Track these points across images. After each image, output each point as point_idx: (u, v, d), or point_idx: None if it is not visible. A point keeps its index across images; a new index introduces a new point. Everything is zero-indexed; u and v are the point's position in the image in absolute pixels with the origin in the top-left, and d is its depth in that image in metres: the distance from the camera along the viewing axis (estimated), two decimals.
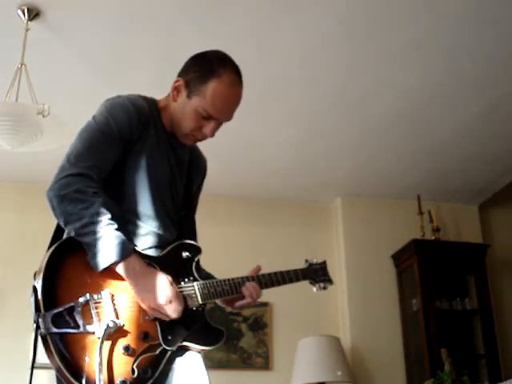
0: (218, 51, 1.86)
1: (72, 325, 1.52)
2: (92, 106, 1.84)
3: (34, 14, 3.11)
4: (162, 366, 1.62)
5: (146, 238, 1.75)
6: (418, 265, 4.74)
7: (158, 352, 1.62)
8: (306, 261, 2.10)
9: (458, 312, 4.85)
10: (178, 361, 1.70)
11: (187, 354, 1.72)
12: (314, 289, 2.10)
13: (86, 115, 1.81)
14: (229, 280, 1.82)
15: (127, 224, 1.71)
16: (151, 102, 1.85)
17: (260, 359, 4.71)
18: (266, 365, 4.70)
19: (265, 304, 4.81)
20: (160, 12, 3.16)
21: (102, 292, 1.59)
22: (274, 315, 4.85)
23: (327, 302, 4.90)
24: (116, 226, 1.61)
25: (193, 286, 1.75)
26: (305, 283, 2.11)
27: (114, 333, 1.56)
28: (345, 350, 4.53)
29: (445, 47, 3.47)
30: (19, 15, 3.11)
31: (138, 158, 1.77)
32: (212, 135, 1.84)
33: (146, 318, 1.64)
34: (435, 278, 4.77)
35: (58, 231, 1.70)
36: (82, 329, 1.53)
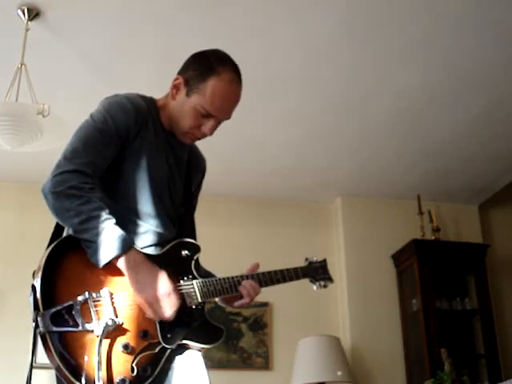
0: (218, 50, 1.86)
1: (71, 323, 1.52)
2: (92, 106, 1.84)
3: (33, 14, 3.12)
4: (161, 364, 1.62)
5: (145, 236, 1.75)
6: (418, 265, 4.74)
7: (157, 350, 1.62)
8: (306, 259, 2.10)
9: (458, 312, 4.85)
10: (178, 359, 1.70)
11: (187, 352, 1.72)
12: (315, 287, 2.10)
13: (86, 115, 1.81)
14: (228, 278, 1.82)
15: (126, 222, 1.71)
16: (149, 101, 1.86)
17: (260, 359, 4.71)
18: (266, 365, 4.70)
19: (265, 304, 4.81)
20: (160, 12, 3.17)
21: (101, 290, 1.59)
22: (274, 315, 4.85)
23: (327, 301, 4.90)
24: (114, 220, 1.61)
25: (192, 284, 1.75)
26: (305, 283, 2.11)
27: (113, 331, 1.56)
28: (345, 350, 4.53)
29: (445, 47, 3.47)
30: (19, 15, 3.12)
31: (136, 157, 1.77)
32: (211, 134, 1.84)
33: (146, 316, 1.63)
34: (435, 278, 4.77)
35: (57, 230, 1.70)
36: (80, 327, 1.53)
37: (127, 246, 1.60)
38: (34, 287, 1.55)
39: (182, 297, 1.70)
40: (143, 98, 1.85)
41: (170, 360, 1.68)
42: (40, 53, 3.35)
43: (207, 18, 3.22)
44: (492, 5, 3.15)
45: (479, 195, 5.30)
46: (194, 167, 1.99)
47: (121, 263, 1.60)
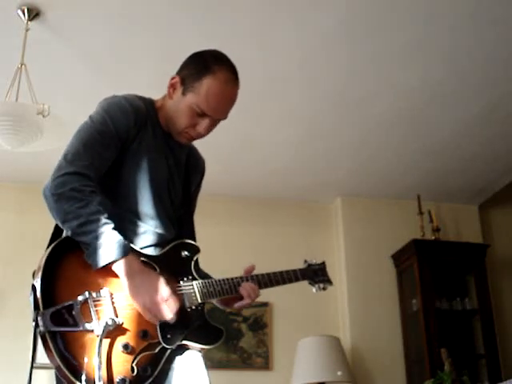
0: (216, 50, 1.86)
1: (71, 323, 1.52)
2: (92, 106, 1.84)
3: (33, 13, 3.11)
4: (161, 364, 1.62)
5: (145, 236, 1.75)
6: (418, 265, 4.74)
7: (157, 350, 1.62)
8: (305, 261, 2.10)
9: (458, 312, 4.85)
10: (178, 360, 1.70)
11: (187, 353, 1.72)
12: (314, 289, 2.10)
13: (85, 115, 1.81)
14: (228, 279, 1.82)
15: (126, 223, 1.71)
16: (148, 102, 1.86)
17: (260, 359, 4.71)
18: (266, 365, 4.70)
19: (265, 304, 4.81)
20: (160, 12, 3.17)
21: (101, 290, 1.59)
22: (274, 315, 4.85)
23: (327, 302, 4.90)
24: (113, 225, 1.61)
25: (192, 284, 1.75)
26: (305, 283, 2.12)
27: (113, 331, 1.56)
28: (345, 350, 4.53)
29: (445, 47, 3.47)
30: (19, 15, 3.12)
31: (135, 158, 1.77)
32: (206, 133, 1.84)
33: None
34: (435, 278, 4.77)
35: (57, 230, 1.70)
36: (80, 327, 1.53)
37: (124, 251, 1.60)
38: (34, 287, 1.55)
39: (181, 298, 1.70)
40: (142, 98, 1.85)
41: (170, 360, 1.68)
42: (40, 53, 3.35)
43: (207, 18, 3.22)
44: (492, 5, 3.15)
45: (479, 195, 5.30)
46: (193, 168, 1.99)
47: (117, 268, 1.60)
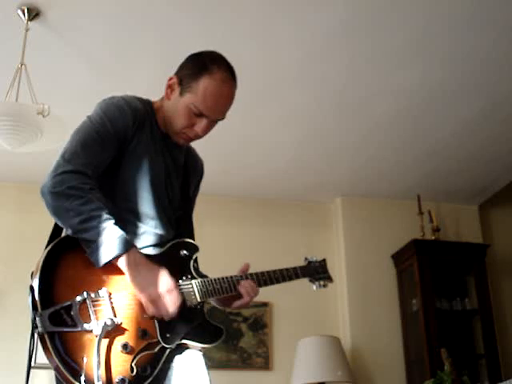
0: (213, 51, 1.87)
1: (69, 323, 1.52)
2: (92, 106, 1.84)
3: (33, 13, 3.11)
4: (161, 364, 1.62)
5: (144, 237, 1.76)
6: (418, 265, 4.74)
7: (156, 350, 1.62)
8: (306, 258, 2.09)
9: (458, 312, 4.85)
10: (178, 359, 1.69)
11: (187, 352, 1.72)
12: (314, 287, 2.09)
13: (85, 115, 1.81)
14: (227, 278, 1.82)
15: (125, 223, 1.71)
16: (146, 103, 1.86)
17: (260, 359, 4.71)
18: (266, 365, 4.70)
19: (265, 304, 4.81)
20: (160, 12, 3.16)
21: (99, 290, 1.59)
22: (274, 315, 4.85)
23: (327, 301, 4.90)
24: (113, 220, 1.62)
25: (191, 283, 1.75)
26: (305, 283, 2.11)
27: (112, 331, 1.56)
28: (345, 350, 4.53)
29: (445, 47, 3.47)
30: (19, 15, 3.11)
31: (133, 158, 1.77)
32: (203, 134, 1.84)
33: (145, 316, 1.64)
34: (435, 278, 4.77)
35: (56, 230, 1.70)
36: (79, 327, 1.53)
37: (128, 245, 1.60)
38: (32, 288, 1.55)
39: (182, 296, 1.70)
40: (140, 99, 1.85)
41: (170, 360, 1.68)
42: (40, 53, 3.35)
43: (207, 18, 3.22)
44: (492, 5, 3.15)
45: (479, 195, 5.30)
46: (192, 169, 1.99)
47: (121, 263, 1.60)
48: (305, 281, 2.09)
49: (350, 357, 4.66)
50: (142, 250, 1.71)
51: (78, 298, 1.55)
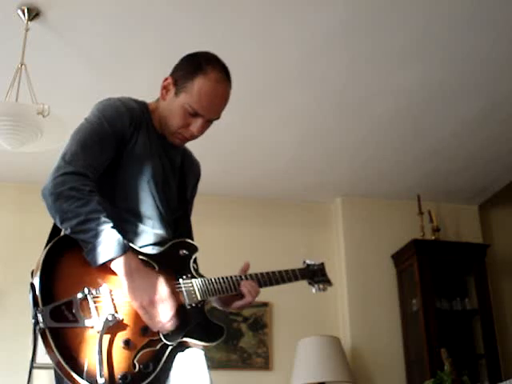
0: (208, 52, 1.89)
1: (71, 319, 1.52)
2: (92, 106, 1.85)
3: (33, 13, 3.11)
4: (163, 361, 1.62)
5: (144, 236, 1.76)
6: (418, 265, 4.74)
7: (158, 347, 1.62)
8: (304, 262, 2.12)
9: (458, 312, 4.85)
10: (179, 358, 1.70)
11: (188, 351, 1.72)
12: (313, 290, 2.12)
13: (85, 115, 1.82)
14: (227, 277, 1.83)
15: (124, 223, 1.72)
16: (142, 105, 1.89)
17: (260, 359, 4.71)
18: (266, 365, 4.70)
19: (265, 304, 4.81)
20: (160, 12, 3.16)
21: (100, 287, 1.59)
22: (274, 315, 4.85)
23: (327, 302, 4.90)
24: (112, 224, 1.62)
25: (191, 282, 1.76)
26: (305, 283, 2.12)
27: (114, 327, 1.56)
28: (345, 350, 4.54)
29: (445, 47, 3.47)
30: (19, 15, 3.11)
31: (132, 158, 1.79)
32: (199, 134, 1.85)
33: None
34: (435, 278, 4.78)
35: (55, 230, 1.70)
36: (80, 323, 1.53)
37: (123, 249, 1.60)
38: (32, 285, 1.56)
39: (181, 295, 1.71)
40: (136, 101, 1.88)
41: (172, 359, 1.68)
42: (40, 53, 3.35)
43: (207, 18, 3.22)
44: (492, 5, 3.15)
45: (479, 195, 5.30)
46: (188, 170, 2.01)
47: (115, 266, 1.60)
48: (305, 281, 2.10)
49: (350, 357, 4.66)
50: (142, 249, 1.72)
51: (79, 295, 1.56)
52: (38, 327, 1.51)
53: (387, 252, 5.05)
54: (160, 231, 1.79)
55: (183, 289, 1.73)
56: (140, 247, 1.72)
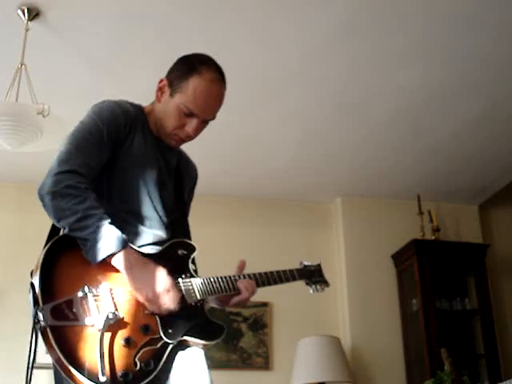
0: (203, 54, 1.91)
1: (71, 317, 1.53)
2: (92, 106, 1.85)
3: (33, 13, 3.12)
4: (164, 359, 1.63)
5: (142, 235, 1.77)
6: (418, 265, 4.74)
7: (159, 345, 1.63)
8: (301, 263, 2.13)
9: (458, 312, 4.85)
10: (180, 357, 1.70)
11: (189, 350, 1.72)
12: (311, 290, 2.14)
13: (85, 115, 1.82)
14: (226, 277, 1.84)
15: (122, 222, 1.72)
16: (138, 107, 1.90)
17: (260, 359, 4.71)
18: (266, 365, 4.70)
19: (265, 304, 4.81)
20: (160, 12, 3.17)
21: (100, 286, 1.60)
22: (274, 315, 4.85)
23: (327, 302, 4.90)
24: (109, 220, 1.62)
25: (190, 281, 1.76)
26: (304, 283, 2.12)
27: (114, 325, 1.57)
28: (345, 350, 4.54)
29: (445, 47, 3.47)
30: (19, 15, 3.12)
31: (127, 159, 1.80)
32: (194, 134, 1.86)
33: (146, 311, 1.64)
34: (435, 278, 4.77)
35: (54, 230, 1.71)
36: (81, 321, 1.53)
37: (122, 244, 1.61)
38: (32, 285, 1.56)
39: (181, 294, 1.71)
40: (131, 103, 1.89)
41: (172, 359, 1.68)
42: (40, 53, 3.35)
43: (207, 18, 3.21)
44: (492, 5, 3.15)
45: (479, 195, 5.30)
46: (185, 173, 2.01)
47: (116, 262, 1.61)
48: (303, 282, 2.10)
49: (350, 357, 4.66)
50: (140, 249, 1.72)
51: (80, 293, 1.56)
52: (38, 326, 1.51)
53: (387, 252, 5.05)
54: (158, 231, 1.80)
55: (182, 288, 1.73)
56: (139, 246, 1.73)
